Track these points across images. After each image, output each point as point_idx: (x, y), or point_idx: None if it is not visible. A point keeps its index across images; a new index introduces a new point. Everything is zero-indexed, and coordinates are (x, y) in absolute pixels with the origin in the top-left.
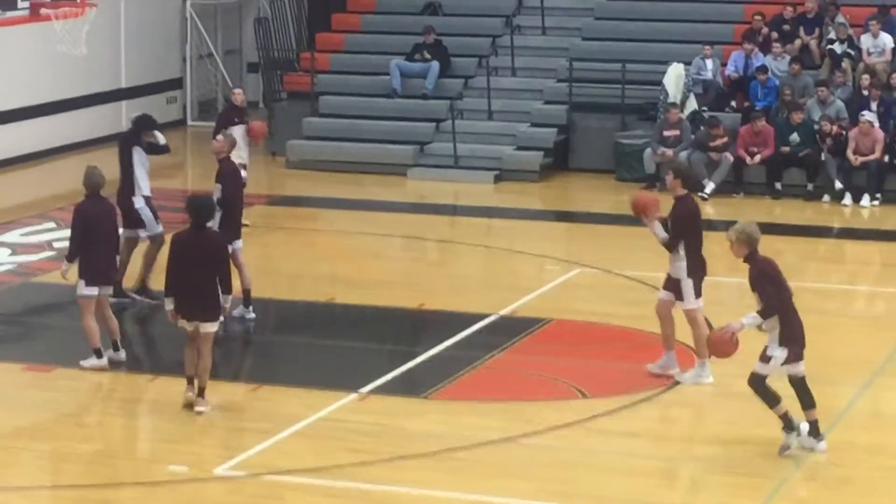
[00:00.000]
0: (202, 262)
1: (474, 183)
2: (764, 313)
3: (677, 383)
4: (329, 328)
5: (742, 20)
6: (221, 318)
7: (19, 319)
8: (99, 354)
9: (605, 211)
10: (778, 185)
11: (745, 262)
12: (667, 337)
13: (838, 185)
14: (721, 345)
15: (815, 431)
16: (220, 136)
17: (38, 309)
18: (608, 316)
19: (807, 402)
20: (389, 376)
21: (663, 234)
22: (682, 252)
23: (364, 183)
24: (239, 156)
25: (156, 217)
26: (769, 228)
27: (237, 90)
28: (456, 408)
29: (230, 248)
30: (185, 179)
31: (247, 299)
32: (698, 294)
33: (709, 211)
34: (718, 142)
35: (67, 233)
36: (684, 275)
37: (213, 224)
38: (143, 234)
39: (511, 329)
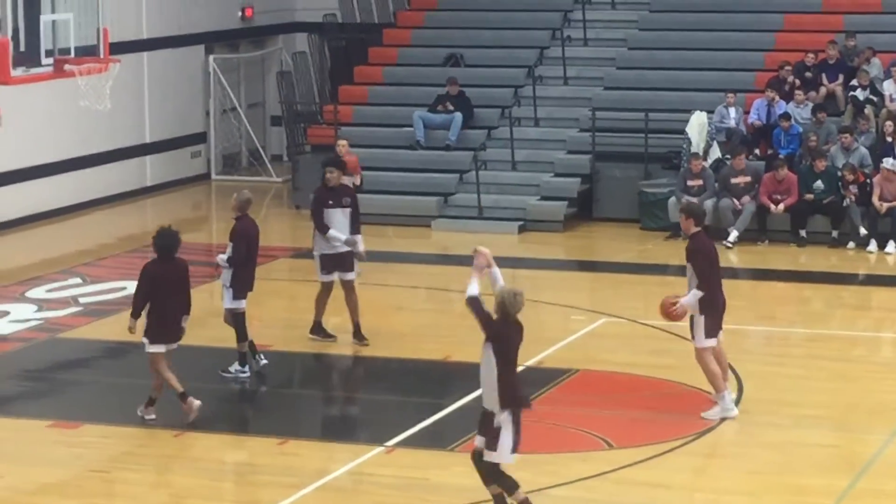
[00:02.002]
0: (173, 290)
1: (499, 233)
2: (701, 286)
3: (704, 433)
4: (355, 381)
5: (763, 68)
6: None
7: (45, 375)
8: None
9: (629, 260)
10: (802, 233)
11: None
12: (716, 378)
13: (863, 231)
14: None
15: None
16: (235, 195)
17: (65, 365)
18: (634, 366)
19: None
20: (415, 429)
21: (696, 296)
22: (695, 286)
23: (388, 235)
24: (352, 182)
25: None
26: (794, 276)
27: (342, 141)
28: None
29: (237, 307)
30: (210, 233)
31: (251, 350)
32: (711, 334)
33: (732, 259)
34: (741, 179)
35: (93, 288)
36: (697, 310)
37: (225, 280)
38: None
39: (537, 380)
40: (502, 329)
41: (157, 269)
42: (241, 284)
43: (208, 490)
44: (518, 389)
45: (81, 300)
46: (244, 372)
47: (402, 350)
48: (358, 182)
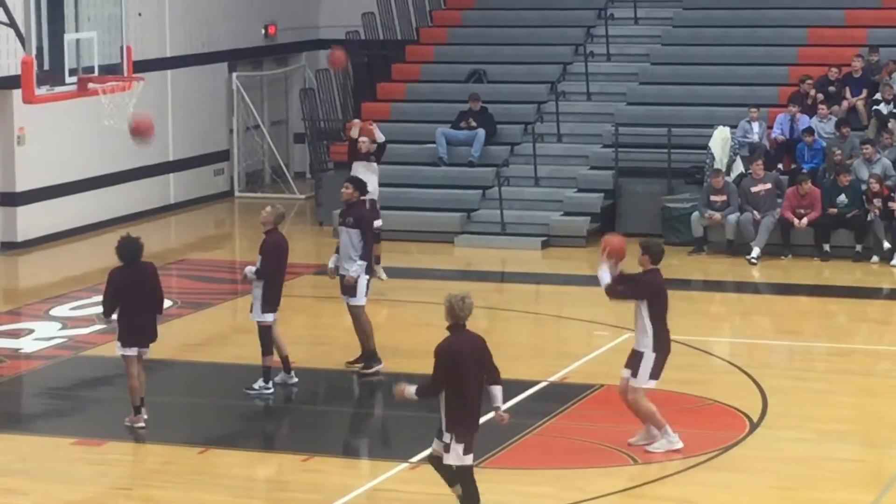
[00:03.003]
0: (139, 293)
1: (522, 249)
2: (613, 286)
3: (729, 448)
4: (378, 397)
5: (787, 82)
6: None
7: (70, 393)
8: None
9: None
10: (826, 247)
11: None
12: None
13: (887, 245)
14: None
15: None
16: (268, 209)
17: (89, 382)
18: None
19: None
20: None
21: (606, 280)
22: (649, 324)
23: (411, 251)
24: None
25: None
26: (819, 290)
27: (364, 138)
28: (507, 476)
29: (264, 320)
30: (233, 250)
31: (286, 365)
32: (655, 375)
33: (755, 274)
34: (760, 187)
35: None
36: (650, 349)
37: (256, 295)
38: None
39: (561, 395)
40: (454, 345)
41: (121, 275)
42: (270, 298)
43: None
44: (467, 416)
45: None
46: (268, 388)
47: (426, 366)
48: (374, 144)
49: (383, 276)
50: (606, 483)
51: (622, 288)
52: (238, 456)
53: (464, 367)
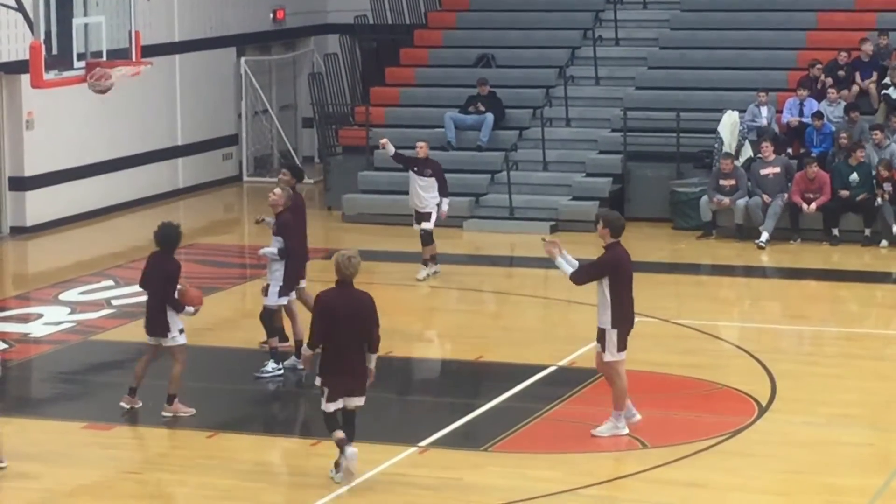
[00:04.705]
0: (151, 284)
1: (530, 234)
2: (578, 273)
3: (738, 432)
4: (387, 382)
5: (796, 66)
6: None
7: (79, 377)
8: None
9: (661, 260)
10: (835, 231)
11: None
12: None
13: (895, 229)
14: None
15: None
16: (277, 190)
17: (98, 367)
18: (666, 365)
19: None
20: (448, 429)
21: (568, 269)
22: (609, 299)
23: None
24: (416, 204)
25: None
26: (827, 275)
27: (421, 143)
28: (516, 460)
29: (280, 304)
30: (242, 235)
31: (297, 350)
32: (622, 347)
33: (764, 259)
34: (770, 170)
35: (126, 290)
36: (609, 325)
37: (277, 276)
38: None
39: (570, 380)
40: (330, 300)
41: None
42: (290, 280)
43: (242, 491)
44: (337, 366)
45: (114, 302)
46: (280, 369)
47: (435, 350)
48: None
49: (434, 271)
50: (615, 467)
51: (584, 271)
52: (247, 440)
53: (337, 322)
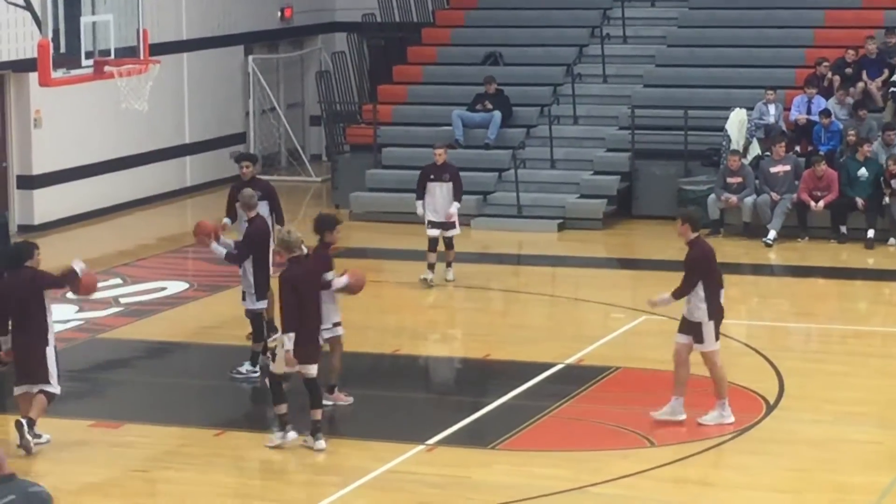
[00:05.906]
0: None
1: (538, 232)
2: (676, 294)
3: (746, 430)
4: (395, 380)
5: (803, 64)
6: None
7: (87, 375)
8: None
9: (669, 258)
10: (843, 229)
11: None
12: (681, 382)
13: None
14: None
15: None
16: (248, 190)
17: (106, 365)
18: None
19: None
20: (456, 427)
21: (667, 297)
22: (702, 294)
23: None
24: (433, 212)
25: None
26: (835, 273)
27: (438, 150)
28: (524, 458)
29: (261, 308)
30: None
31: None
32: (717, 337)
33: (772, 257)
34: (780, 168)
35: (133, 288)
36: (706, 318)
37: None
38: None
39: (578, 378)
40: (291, 277)
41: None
42: (262, 286)
43: (249, 489)
44: (304, 329)
45: (122, 300)
46: (255, 371)
47: (443, 349)
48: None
49: (451, 276)
50: (623, 465)
51: (686, 283)
52: (254, 438)
53: (301, 292)
